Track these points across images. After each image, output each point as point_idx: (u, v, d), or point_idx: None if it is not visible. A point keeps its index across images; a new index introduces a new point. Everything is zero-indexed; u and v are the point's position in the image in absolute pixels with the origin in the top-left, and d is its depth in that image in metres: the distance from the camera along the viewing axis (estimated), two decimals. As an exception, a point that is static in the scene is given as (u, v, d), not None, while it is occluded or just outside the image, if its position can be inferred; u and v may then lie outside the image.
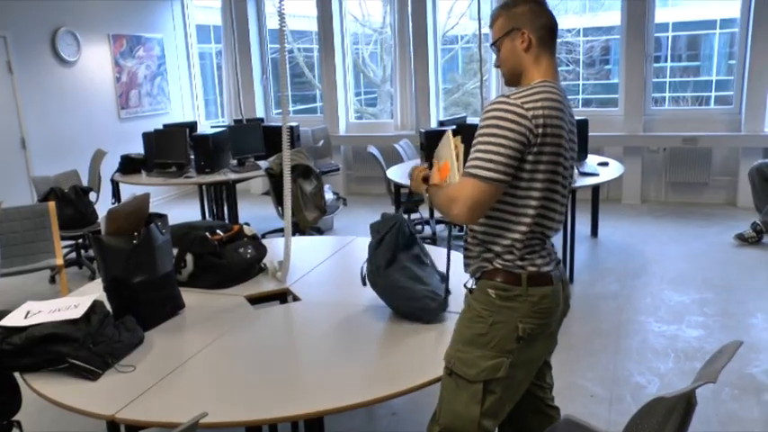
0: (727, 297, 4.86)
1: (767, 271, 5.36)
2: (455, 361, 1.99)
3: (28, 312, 2.35)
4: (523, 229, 1.93)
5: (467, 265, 2.09)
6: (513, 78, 2.07)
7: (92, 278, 5.80)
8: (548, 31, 2.02)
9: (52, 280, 5.80)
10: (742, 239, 6.04)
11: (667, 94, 8.30)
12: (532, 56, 2.00)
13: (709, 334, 4.25)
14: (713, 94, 8.53)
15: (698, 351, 4.01)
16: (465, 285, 2.11)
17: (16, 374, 2.27)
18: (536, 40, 1.99)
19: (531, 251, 1.96)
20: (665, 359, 3.94)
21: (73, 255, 6.21)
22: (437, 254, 3.35)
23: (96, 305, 2.36)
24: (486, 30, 7.72)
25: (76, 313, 2.27)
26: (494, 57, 2.11)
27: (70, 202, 5.71)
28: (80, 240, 6.16)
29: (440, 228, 6.94)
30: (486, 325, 1.95)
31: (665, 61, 8.45)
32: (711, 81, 8.89)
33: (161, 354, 2.32)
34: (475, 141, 1.88)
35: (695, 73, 9.78)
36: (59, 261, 4.70)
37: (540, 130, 1.84)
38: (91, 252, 6.16)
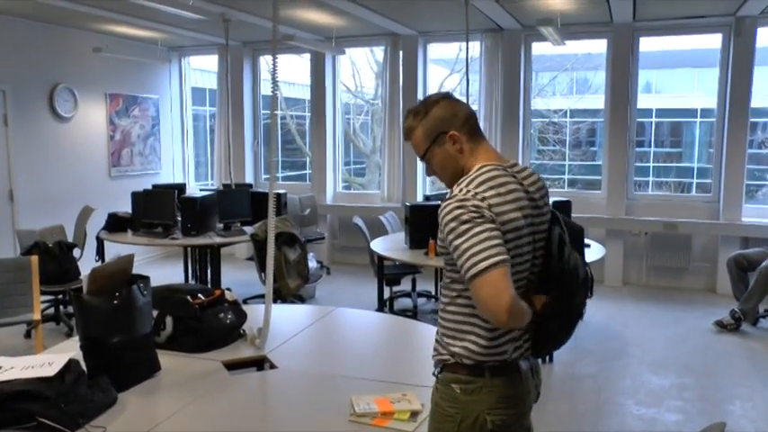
0: (706, 383, 4.87)
1: (746, 359, 5.39)
2: None
3: (0, 368, 2.33)
4: (485, 324, 1.87)
5: (434, 351, 2.00)
6: (455, 180, 1.95)
7: (68, 335, 5.73)
8: (472, 119, 1.98)
9: (27, 335, 5.71)
10: (721, 326, 6.08)
11: (651, 179, 8.48)
12: (468, 152, 1.96)
13: (688, 419, 4.24)
14: (694, 180, 8.73)
15: (675, 437, 3.99)
16: (434, 374, 2.05)
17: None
18: (466, 135, 1.96)
19: (494, 340, 1.89)
20: (642, 444, 3.91)
21: (51, 310, 6.14)
22: (422, 329, 3.36)
23: (72, 364, 2.34)
24: (474, 107, 7.96)
25: (50, 371, 2.25)
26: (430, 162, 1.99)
27: (53, 256, 5.69)
28: (60, 296, 6.11)
29: (421, 301, 6.95)
30: (456, 423, 1.88)
31: (649, 146, 8.67)
32: (693, 168, 9.11)
33: (133, 416, 2.29)
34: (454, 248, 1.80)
35: (678, 159, 10.01)
36: (37, 316, 4.64)
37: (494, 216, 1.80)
38: (70, 308, 6.09)
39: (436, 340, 2.00)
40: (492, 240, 1.74)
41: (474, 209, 1.78)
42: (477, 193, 1.81)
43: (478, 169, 1.90)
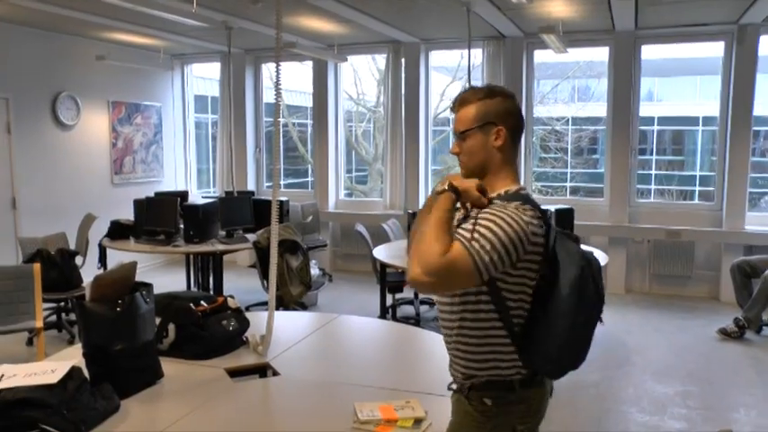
0: (710, 390, 4.85)
1: (750, 366, 5.37)
2: None
3: (2, 375, 2.32)
4: (504, 340, 1.88)
5: (452, 368, 2.00)
6: (474, 173, 1.95)
7: (71, 342, 5.72)
8: (519, 132, 1.97)
9: (29, 342, 5.70)
10: (725, 334, 6.06)
11: (653, 187, 8.48)
12: (504, 156, 1.94)
13: (692, 426, 4.22)
14: (697, 188, 8.71)
15: (679, 445, 3.97)
16: (449, 387, 2.03)
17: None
18: (509, 140, 1.93)
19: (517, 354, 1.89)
20: (646, 452, 3.89)
21: (53, 317, 6.14)
22: (425, 337, 3.35)
23: (74, 371, 2.33)
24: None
25: (53, 378, 2.25)
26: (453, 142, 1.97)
27: (55, 264, 5.69)
28: (62, 303, 6.10)
29: (424, 308, 6.93)
30: (486, 430, 1.90)
31: (651, 154, 8.65)
32: (695, 176, 9.09)
33: (135, 423, 2.28)
34: (478, 223, 1.79)
35: (680, 167, 10.00)
36: (39, 324, 4.63)
37: (530, 248, 1.81)
38: (72, 316, 6.09)
39: (456, 363, 1.97)
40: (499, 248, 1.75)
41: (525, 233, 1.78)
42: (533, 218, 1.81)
43: (525, 197, 1.88)
